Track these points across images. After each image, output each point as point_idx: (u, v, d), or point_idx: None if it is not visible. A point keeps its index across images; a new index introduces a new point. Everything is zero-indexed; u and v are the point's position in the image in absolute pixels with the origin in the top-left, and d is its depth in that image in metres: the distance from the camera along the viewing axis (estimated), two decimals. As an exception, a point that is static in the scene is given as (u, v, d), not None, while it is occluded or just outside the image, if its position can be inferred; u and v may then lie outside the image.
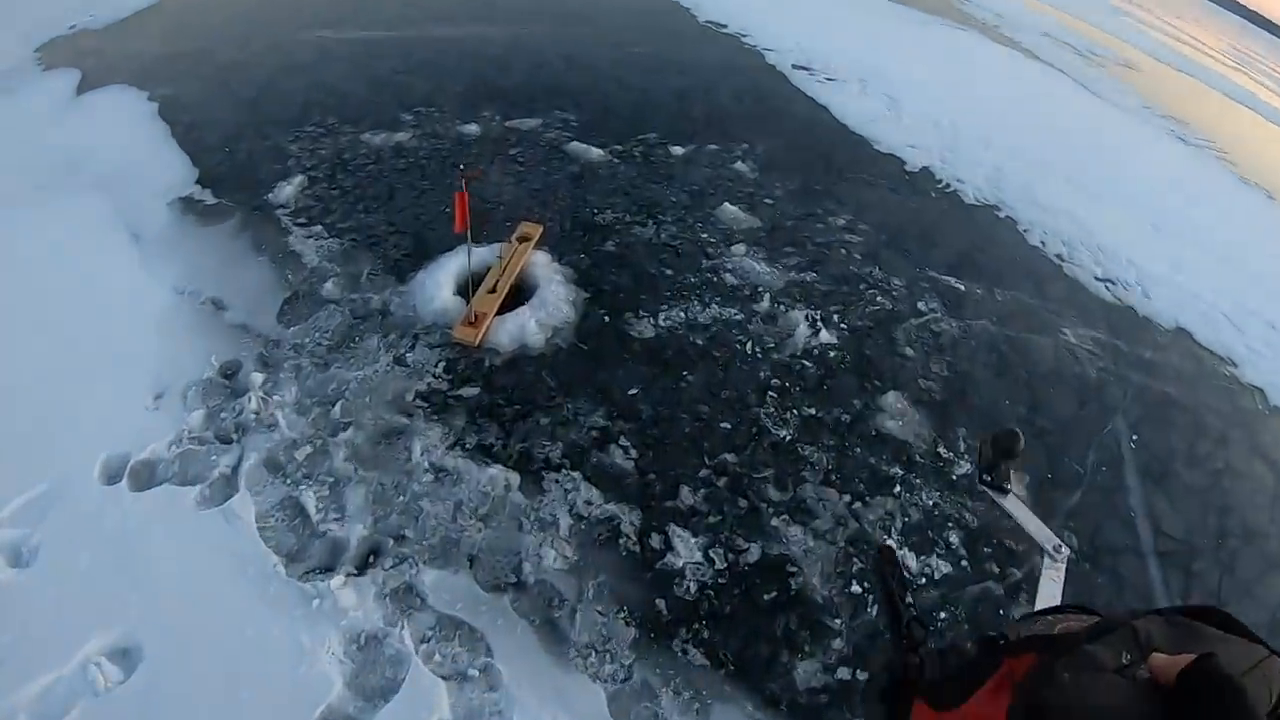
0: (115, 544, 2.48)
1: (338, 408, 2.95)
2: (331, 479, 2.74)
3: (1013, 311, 4.11)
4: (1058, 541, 1.70)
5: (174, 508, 2.62)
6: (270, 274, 3.54)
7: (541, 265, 3.64)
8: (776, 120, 5.23)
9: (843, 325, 3.69)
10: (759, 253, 4.02)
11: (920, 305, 3.94)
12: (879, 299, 3.91)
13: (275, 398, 2.98)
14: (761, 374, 3.33)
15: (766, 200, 4.45)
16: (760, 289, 3.75)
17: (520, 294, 3.52)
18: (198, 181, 4.09)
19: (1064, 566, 1.66)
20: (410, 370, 3.11)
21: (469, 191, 2.85)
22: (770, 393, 3.27)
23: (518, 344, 3.25)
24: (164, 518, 2.58)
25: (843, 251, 4.20)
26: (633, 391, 3.15)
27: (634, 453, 2.92)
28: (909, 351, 3.63)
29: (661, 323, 3.48)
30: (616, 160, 4.55)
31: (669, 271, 3.78)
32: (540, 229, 3.79)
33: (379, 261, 3.63)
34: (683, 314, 3.55)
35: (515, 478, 2.79)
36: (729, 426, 3.07)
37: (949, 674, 0.81)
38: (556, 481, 2.80)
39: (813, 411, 3.22)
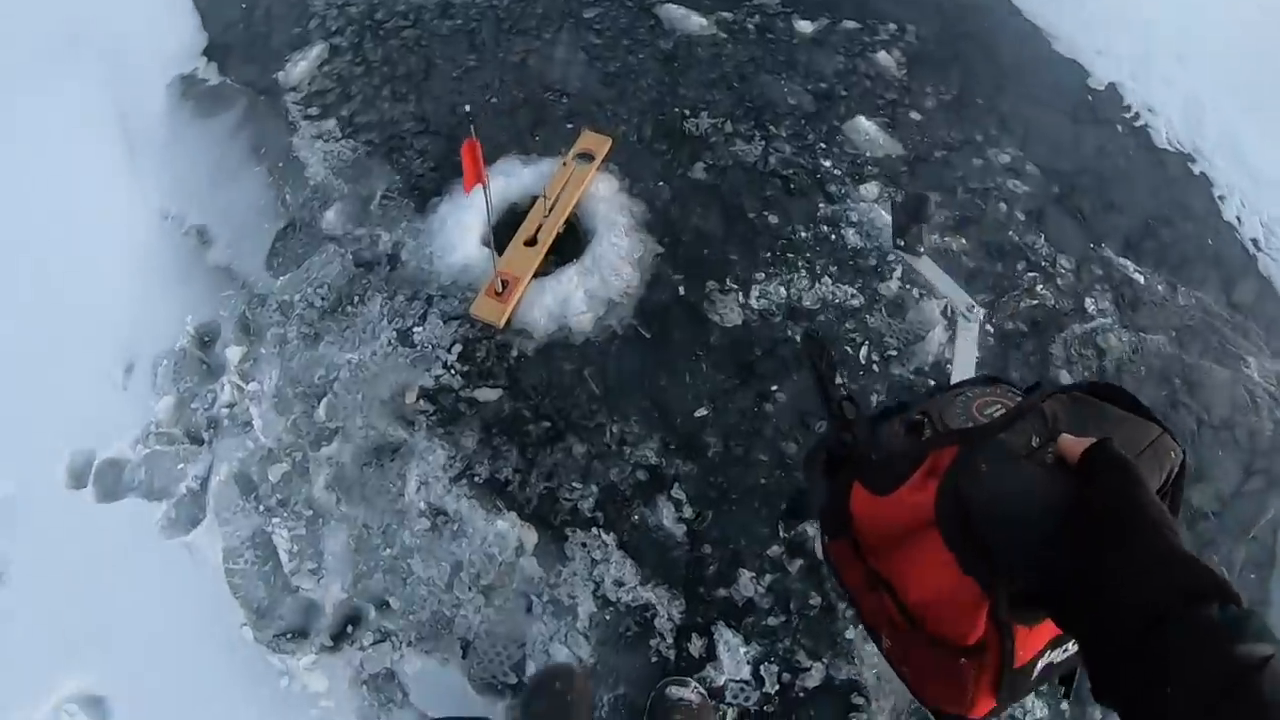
0: (81, 571, 2.11)
1: (323, 406, 2.31)
2: (309, 512, 2.17)
3: (1194, 324, 2.97)
4: (971, 302, 1.67)
5: (138, 530, 2.18)
6: (266, 193, 2.81)
7: (604, 198, 2.73)
8: (937, -13, 3.78)
9: (989, 327, 2.68)
10: (896, 197, 2.93)
11: (1089, 304, 2.86)
12: (1040, 288, 2.84)
13: (252, 385, 2.37)
14: (874, 397, 2.44)
15: (913, 115, 3.24)
16: (890, 258, 2.74)
17: (571, 238, 2.66)
18: (204, 52, 3.27)
19: (977, 326, 1.64)
20: (416, 354, 2.40)
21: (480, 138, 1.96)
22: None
23: (557, 324, 2.45)
24: (128, 543, 2.16)
25: (1002, 206, 3.05)
26: (701, 412, 2.35)
27: (688, 510, 2.20)
28: (1065, 378, 2.65)
29: (754, 302, 2.59)
30: (724, 35, 3.38)
31: (773, 219, 2.79)
32: (608, 143, 2.83)
33: (397, 178, 2.81)
34: (783, 290, 2.63)
35: (531, 536, 2.13)
36: (820, 479, 2.26)
37: (881, 461, 0.83)
38: (583, 546, 2.13)
39: (938, 463, 2.34)
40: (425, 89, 3.09)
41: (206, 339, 2.55)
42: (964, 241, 2.93)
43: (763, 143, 3.04)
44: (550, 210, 2.58)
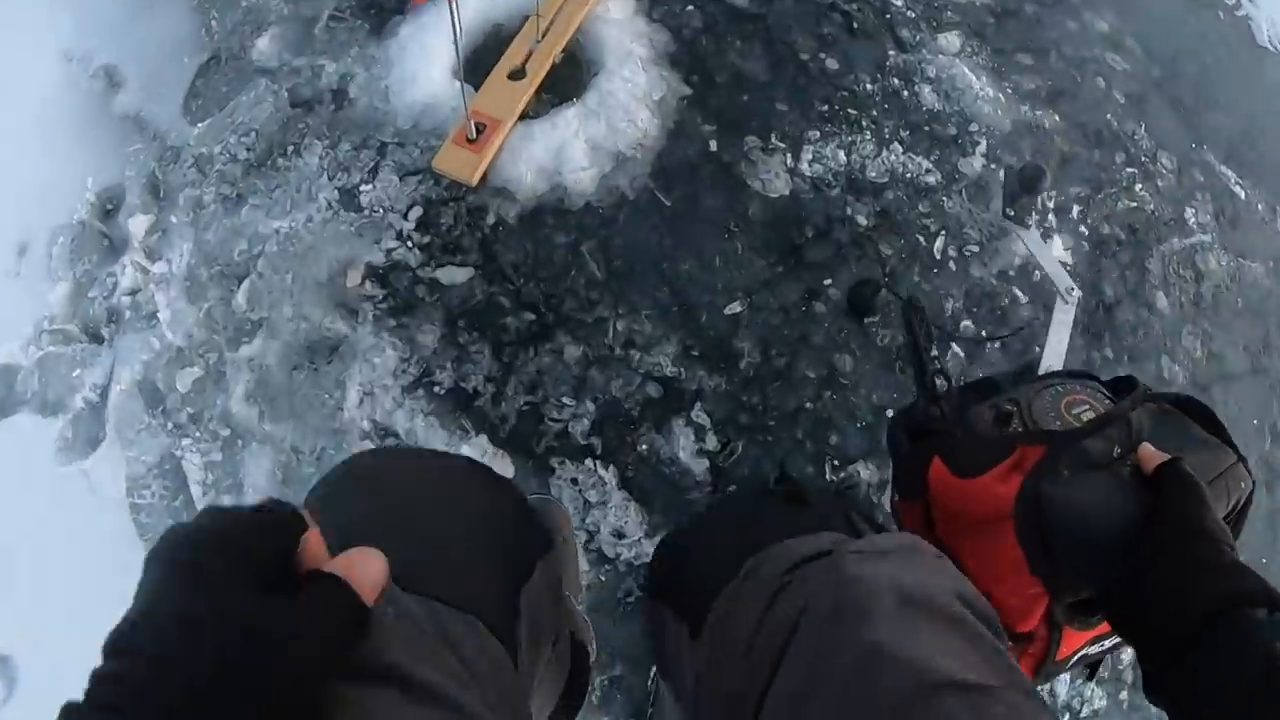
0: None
1: (244, 291, 1.75)
2: (226, 431, 1.66)
3: (1290, 255, 2.42)
4: (1071, 284, 1.60)
5: (32, 454, 1.70)
6: (190, 19, 2.16)
7: (616, 22, 2.06)
8: None
9: (1083, 228, 2.07)
10: (980, 54, 2.27)
11: (1189, 215, 2.27)
12: (1139, 188, 2.23)
13: (159, 265, 1.82)
14: (949, 303, 1.85)
15: (1000, -43, 2.51)
16: (974, 128, 2.10)
17: (570, 71, 2.02)
18: None
19: (1074, 309, 1.58)
20: (363, 220, 1.81)
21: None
22: (954, 345, 1.82)
23: (548, 183, 1.84)
24: (20, 471, 1.68)
25: (1100, 83, 2.38)
26: (733, 308, 1.78)
27: (712, 439, 1.65)
28: (1161, 301, 2.07)
29: (805, 166, 1.96)
30: None
31: (832, 63, 2.12)
32: None
33: (350, -5, 2.13)
34: (843, 154, 1.99)
35: (506, 468, 1.60)
36: (876, 402, 1.71)
37: (967, 444, 0.80)
38: (574, 482, 1.61)
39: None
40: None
41: (110, 207, 1.97)
42: (1058, 118, 2.26)
43: (822, -33, 2.31)
44: (544, 34, 1.91)
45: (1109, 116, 2.35)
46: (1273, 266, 2.37)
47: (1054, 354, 1.56)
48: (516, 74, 1.87)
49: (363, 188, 1.82)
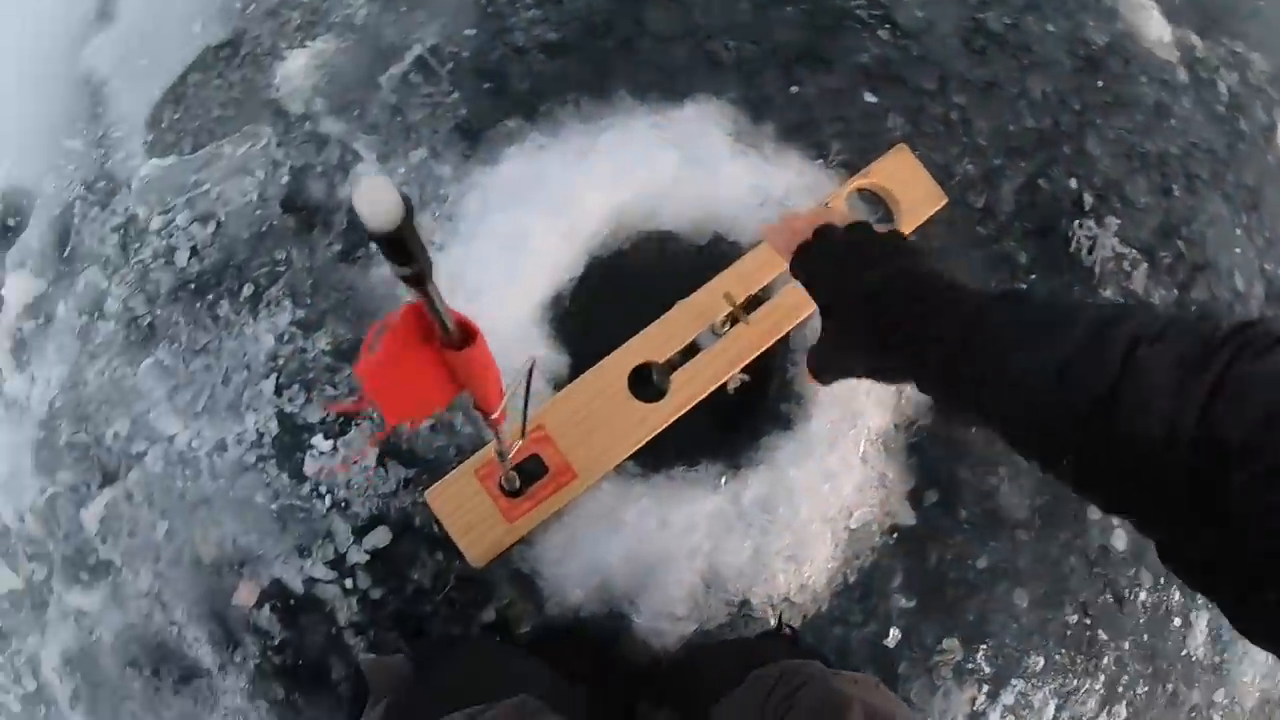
0: None
1: (99, 504, 1.09)
2: (32, 685, 1.16)
3: None
4: None
5: None
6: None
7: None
8: None
9: None
10: None
11: None
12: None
13: (16, 382, 1.21)
14: None
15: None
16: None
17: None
18: None
19: None
20: (295, 502, 1.03)
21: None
22: None
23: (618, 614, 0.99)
24: None
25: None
26: None
27: None
28: None
29: None
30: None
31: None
32: (936, 198, 1.07)
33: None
34: None
35: None
36: None
37: None
38: None
39: None
40: None
41: (10, 223, 1.26)
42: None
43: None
44: (747, 305, 0.94)
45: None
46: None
47: None
48: (654, 378, 0.92)
49: (314, 441, 0.99)
